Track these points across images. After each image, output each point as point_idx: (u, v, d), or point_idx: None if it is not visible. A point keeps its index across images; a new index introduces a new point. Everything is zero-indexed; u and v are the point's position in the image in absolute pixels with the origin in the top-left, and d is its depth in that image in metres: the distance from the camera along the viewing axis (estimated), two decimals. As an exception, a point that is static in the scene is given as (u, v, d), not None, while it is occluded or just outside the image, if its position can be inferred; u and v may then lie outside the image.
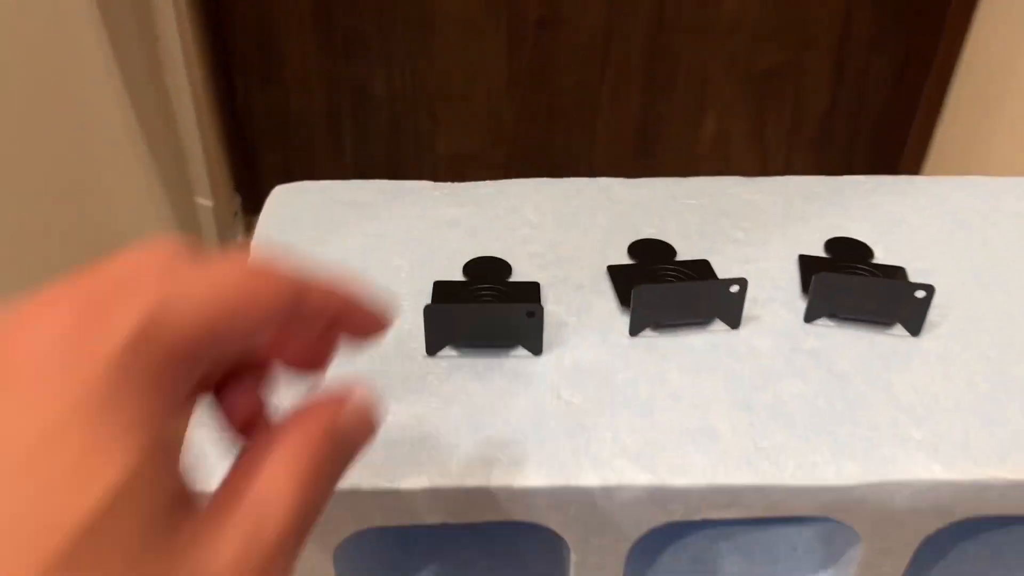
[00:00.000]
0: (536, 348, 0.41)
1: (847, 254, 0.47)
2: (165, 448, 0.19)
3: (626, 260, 0.47)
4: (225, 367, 0.24)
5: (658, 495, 0.36)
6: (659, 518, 0.36)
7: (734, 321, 0.43)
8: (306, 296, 0.23)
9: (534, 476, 0.35)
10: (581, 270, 0.46)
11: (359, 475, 0.35)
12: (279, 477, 0.21)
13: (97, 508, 0.17)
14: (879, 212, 0.51)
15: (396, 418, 0.38)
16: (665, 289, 0.43)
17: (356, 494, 0.35)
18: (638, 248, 0.48)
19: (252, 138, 1.44)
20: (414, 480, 0.35)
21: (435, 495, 0.35)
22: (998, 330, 0.43)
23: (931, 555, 0.44)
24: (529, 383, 0.39)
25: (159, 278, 0.20)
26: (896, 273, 0.45)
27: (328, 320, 0.24)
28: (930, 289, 0.41)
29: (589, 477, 0.35)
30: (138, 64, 1.17)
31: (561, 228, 0.50)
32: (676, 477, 0.35)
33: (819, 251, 0.47)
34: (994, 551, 0.45)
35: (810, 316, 0.43)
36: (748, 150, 1.51)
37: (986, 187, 0.54)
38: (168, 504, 0.19)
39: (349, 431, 0.24)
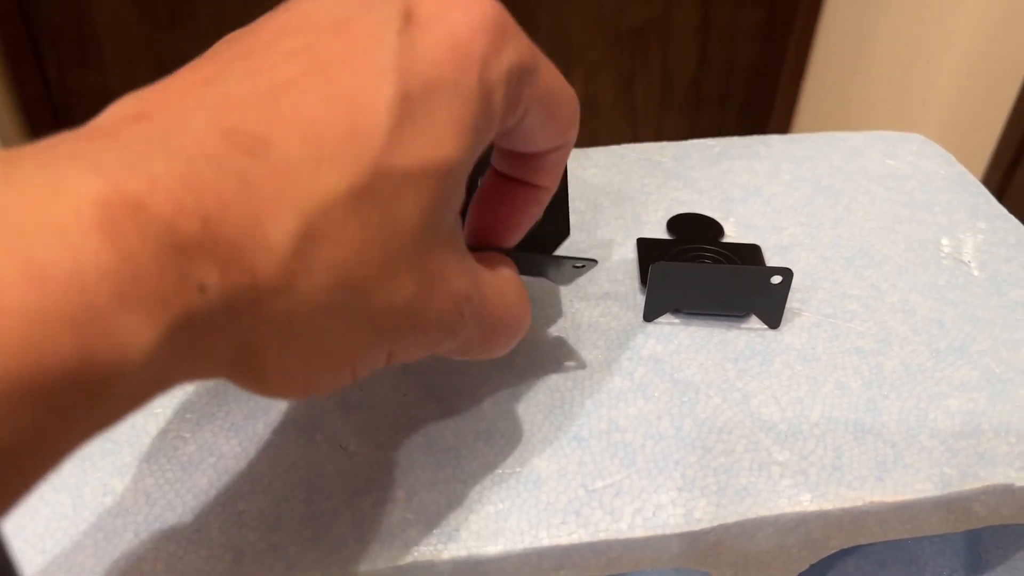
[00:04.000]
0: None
1: (693, 234, 0.39)
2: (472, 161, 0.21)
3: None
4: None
5: (464, 570, 0.28)
6: (470, 595, 0.29)
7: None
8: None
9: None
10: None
11: None
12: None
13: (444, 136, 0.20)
14: (730, 181, 0.44)
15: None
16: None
17: None
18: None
19: (71, 125, 1.29)
20: None
21: None
22: (869, 314, 0.37)
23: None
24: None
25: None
26: (750, 253, 0.39)
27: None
28: (787, 274, 0.34)
29: (377, 561, 0.27)
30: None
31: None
32: (485, 544, 0.28)
33: (662, 232, 0.40)
34: (878, 564, 0.40)
35: (650, 314, 0.36)
36: (618, 115, 1.45)
37: (850, 143, 0.48)
38: (458, 202, 0.22)
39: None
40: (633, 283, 0.38)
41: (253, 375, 0.19)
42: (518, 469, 0.30)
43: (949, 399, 0.33)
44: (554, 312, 0.36)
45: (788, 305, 0.36)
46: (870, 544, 0.40)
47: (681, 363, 0.34)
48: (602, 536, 0.28)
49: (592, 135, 1.45)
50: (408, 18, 0.20)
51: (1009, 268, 0.40)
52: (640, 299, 0.37)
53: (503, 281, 0.26)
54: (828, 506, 0.29)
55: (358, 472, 0.29)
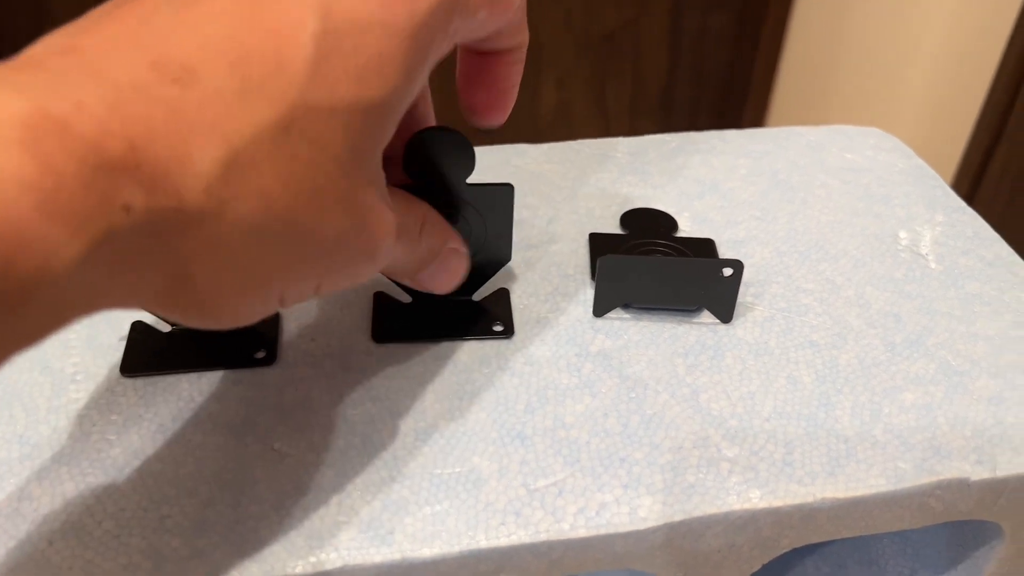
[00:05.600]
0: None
1: (646, 228, 0.38)
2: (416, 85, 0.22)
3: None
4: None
5: (397, 574, 0.26)
6: (406, 600, 0.27)
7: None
8: None
9: None
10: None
11: None
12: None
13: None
14: (686, 176, 0.43)
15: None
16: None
17: None
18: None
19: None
20: None
21: None
22: (823, 309, 0.36)
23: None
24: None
25: None
26: (704, 247, 0.38)
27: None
28: (738, 266, 0.33)
29: (305, 565, 0.26)
30: None
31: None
32: (420, 547, 0.26)
33: (616, 227, 0.39)
34: (837, 564, 0.39)
35: (599, 309, 0.35)
36: (590, 120, 1.44)
37: (808, 138, 0.48)
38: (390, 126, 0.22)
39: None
40: (584, 278, 0.37)
41: (183, 302, 0.20)
42: (458, 469, 0.29)
43: (904, 393, 0.32)
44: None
45: (741, 299, 0.35)
46: (829, 544, 0.39)
47: (630, 358, 0.33)
48: (543, 537, 0.27)
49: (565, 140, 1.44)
50: None
51: (967, 260, 0.39)
52: (591, 294, 0.36)
53: (433, 220, 0.28)
54: (778, 503, 0.28)
55: (289, 474, 0.28)
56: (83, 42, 0.19)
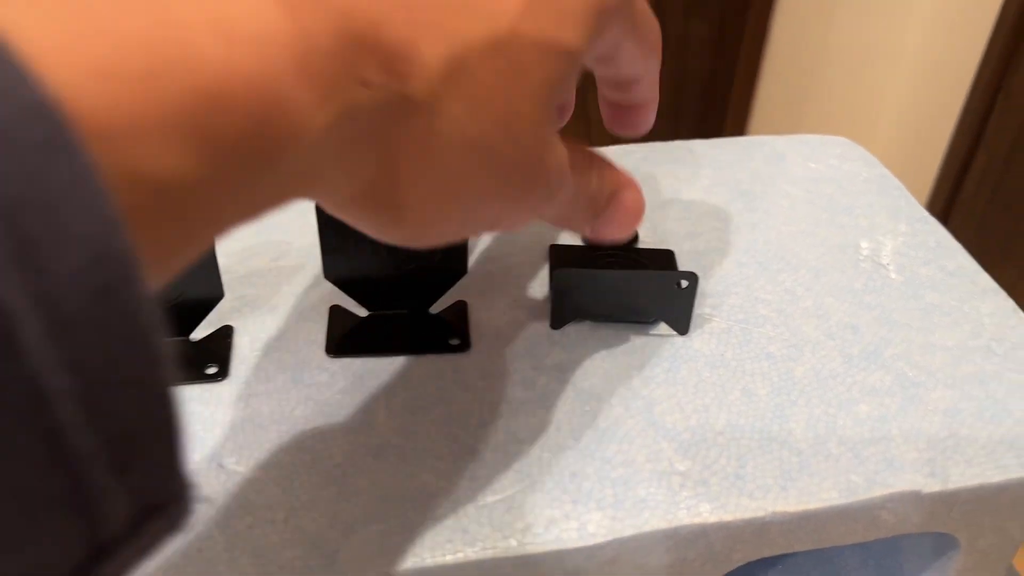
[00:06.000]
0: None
1: (605, 240, 0.38)
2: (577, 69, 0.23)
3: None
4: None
5: (342, 592, 0.26)
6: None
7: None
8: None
9: None
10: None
11: None
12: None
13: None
14: (649, 186, 0.43)
15: None
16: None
17: None
18: None
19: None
20: None
21: None
22: (781, 320, 0.36)
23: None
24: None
25: None
26: (663, 259, 0.37)
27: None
28: (692, 278, 0.33)
29: (244, 580, 0.25)
30: None
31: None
32: (364, 567, 0.26)
33: (576, 238, 0.39)
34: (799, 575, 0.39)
35: (556, 321, 0.34)
36: (573, 127, 1.45)
37: (773, 147, 0.48)
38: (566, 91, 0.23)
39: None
40: (544, 290, 0.37)
41: (382, 199, 0.21)
42: (407, 485, 0.29)
43: (860, 405, 0.32)
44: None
45: (699, 311, 0.35)
46: (792, 556, 0.39)
47: (586, 372, 0.33)
48: (488, 554, 0.27)
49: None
50: None
51: (927, 271, 0.39)
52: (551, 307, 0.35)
53: (602, 161, 0.29)
54: (728, 517, 0.28)
55: (235, 492, 0.28)
56: None
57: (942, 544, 0.34)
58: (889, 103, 1.30)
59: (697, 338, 0.34)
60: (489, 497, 0.28)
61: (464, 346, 0.34)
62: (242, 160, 0.16)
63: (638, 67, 0.28)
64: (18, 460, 0.12)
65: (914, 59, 1.24)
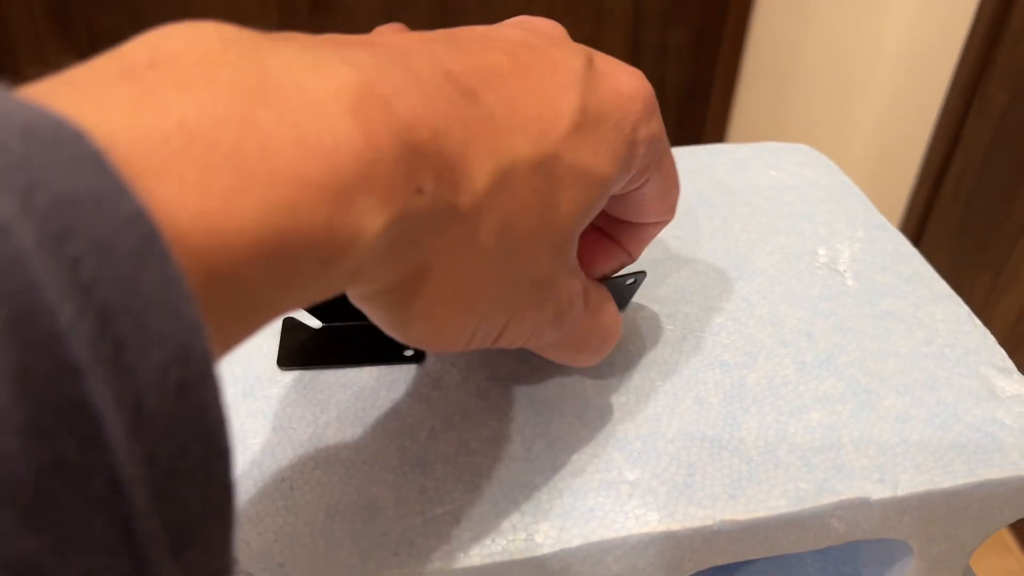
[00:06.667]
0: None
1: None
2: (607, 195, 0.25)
3: None
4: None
5: (287, 607, 0.26)
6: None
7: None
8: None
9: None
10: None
11: None
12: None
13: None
14: (609, 195, 0.43)
15: None
16: None
17: None
18: None
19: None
20: None
21: None
22: (736, 328, 0.36)
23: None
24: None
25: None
26: (620, 268, 0.38)
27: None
28: (640, 276, 0.33)
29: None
30: None
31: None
32: (309, 579, 0.26)
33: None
34: (761, 583, 0.39)
35: (509, 333, 0.34)
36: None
37: (736, 155, 0.48)
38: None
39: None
40: (499, 301, 0.37)
41: (411, 298, 0.21)
42: (355, 499, 0.28)
43: (811, 412, 0.32)
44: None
45: (655, 320, 0.36)
46: (754, 562, 0.39)
47: (541, 381, 0.33)
48: (436, 566, 0.27)
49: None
50: (589, 63, 0.24)
51: (883, 277, 0.39)
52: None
53: (603, 296, 0.29)
54: (676, 526, 0.28)
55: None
56: (380, 40, 0.21)
57: (897, 550, 0.34)
58: (867, 108, 1.30)
59: (652, 347, 0.35)
60: (437, 509, 0.28)
61: (419, 357, 0.33)
62: (306, 264, 0.17)
63: (648, 215, 0.29)
64: (93, 543, 0.12)
65: (891, 64, 1.25)
